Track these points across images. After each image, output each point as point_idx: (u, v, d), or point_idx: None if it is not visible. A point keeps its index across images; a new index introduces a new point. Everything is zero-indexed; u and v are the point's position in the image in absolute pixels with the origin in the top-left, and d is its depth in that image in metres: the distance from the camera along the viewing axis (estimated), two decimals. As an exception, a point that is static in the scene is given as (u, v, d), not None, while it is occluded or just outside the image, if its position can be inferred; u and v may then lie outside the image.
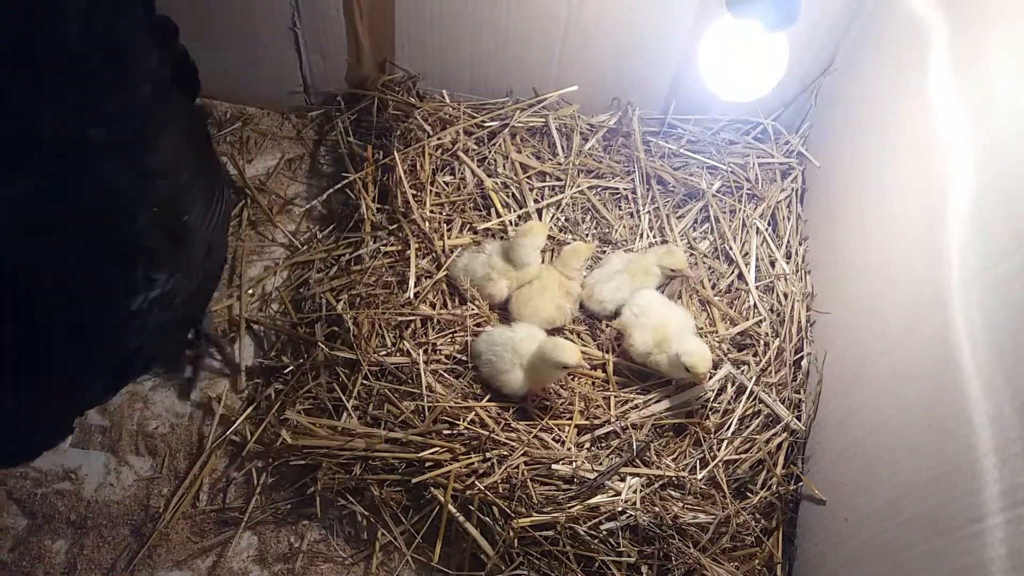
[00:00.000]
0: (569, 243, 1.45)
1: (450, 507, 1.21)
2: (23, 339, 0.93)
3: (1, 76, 0.87)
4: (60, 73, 0.90)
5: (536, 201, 1.51)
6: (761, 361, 1.36)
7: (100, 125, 0.94)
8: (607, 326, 1.41)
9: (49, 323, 0.94)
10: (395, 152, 1.48)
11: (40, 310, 0.93)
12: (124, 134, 0.97)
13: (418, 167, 1.50)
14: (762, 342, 1.38)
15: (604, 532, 1.20)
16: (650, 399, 1.32)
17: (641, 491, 1.23)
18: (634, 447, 1.25)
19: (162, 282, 1.04)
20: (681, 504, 1.23)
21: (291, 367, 1.34)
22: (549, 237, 1.48)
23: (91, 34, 0.90)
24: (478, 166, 1.52)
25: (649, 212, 1.53)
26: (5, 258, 0.90)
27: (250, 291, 1.46)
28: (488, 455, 1.23)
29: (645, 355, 1.32)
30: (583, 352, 1.38)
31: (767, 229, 1.51)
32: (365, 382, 1.29)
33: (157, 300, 1.04)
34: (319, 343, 1.32)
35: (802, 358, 1.37)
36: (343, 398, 1.28)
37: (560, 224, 1.51)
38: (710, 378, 1.34)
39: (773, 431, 1.31)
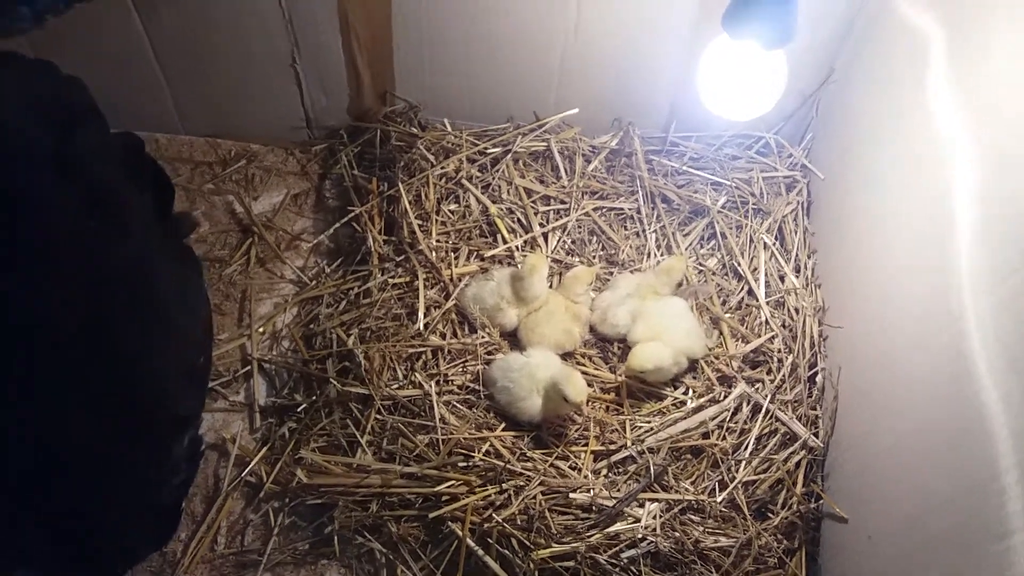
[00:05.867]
0: (575, 266, 1.45)
1: (468, 541, 1.20)
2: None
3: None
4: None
5: (542, 225, 1.50)
6: (775, 378, 1.35)
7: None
8: (619, 348, 1.41)
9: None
10: (399, 183, 1.49)
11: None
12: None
13: (423, 197, 1.50)
14: (775, 359, 1.37)
15: (625, 560, 1.19)
16: (666, 421, 1.31)
17: (661, 516, 1.22)
18: (652, 472, 1.24)
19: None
20: (702, 528, 1.22)
21: (304, 404, 1.34)
22: (556, 261, 1.48)
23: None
24: (482, 193, 1.52)
25: (655, 231, 1.53)
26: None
27: (260, 329, 1.46)
28: (504, 486, 1.22)
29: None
30: (595, 375, 1.38)
31: (775, 243, 1.50)
32: (378, 416, 1.29)
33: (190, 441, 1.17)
34: (331, 379, 1.32)
35: (816, 374, 1.36)
36: (357, 434, 1.28)
37: (566, 247, 1.51)
38: (725, 397, 1.33)
39: (791, 449, 1.29)
